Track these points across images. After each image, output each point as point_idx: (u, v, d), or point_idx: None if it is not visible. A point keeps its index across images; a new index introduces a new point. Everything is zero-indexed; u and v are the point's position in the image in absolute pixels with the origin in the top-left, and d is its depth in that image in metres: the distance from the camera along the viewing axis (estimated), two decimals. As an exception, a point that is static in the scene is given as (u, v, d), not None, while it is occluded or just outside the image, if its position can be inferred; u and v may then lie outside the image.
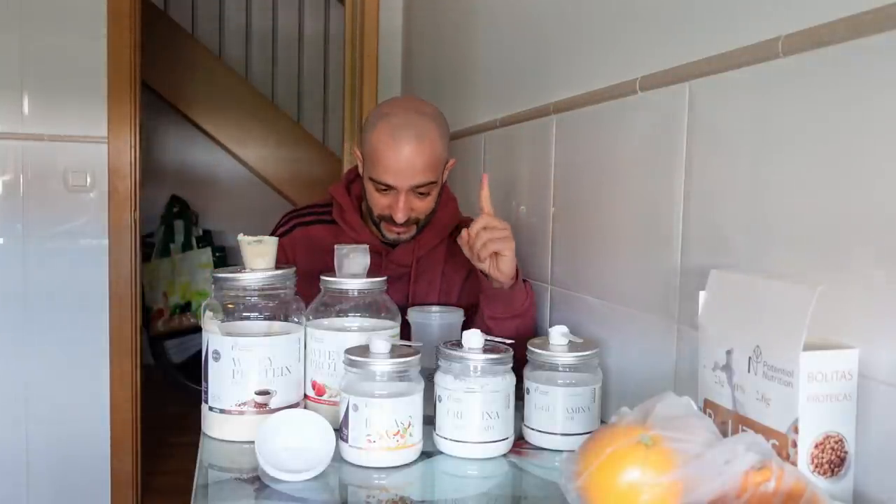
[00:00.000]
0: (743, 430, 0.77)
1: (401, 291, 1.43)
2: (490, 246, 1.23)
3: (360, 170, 1.45)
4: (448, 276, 1.47)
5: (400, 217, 1.36)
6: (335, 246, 1.16)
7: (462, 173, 1.90)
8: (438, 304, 1.44)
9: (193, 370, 3.67)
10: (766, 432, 0.73)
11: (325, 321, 1.12)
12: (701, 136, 0.98)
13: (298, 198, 4.20)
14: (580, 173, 1.31)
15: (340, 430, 0.98)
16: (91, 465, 2.54)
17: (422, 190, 1.36)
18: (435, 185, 1.38)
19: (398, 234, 1.40)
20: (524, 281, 1.34)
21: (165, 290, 4.14)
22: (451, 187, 1.59)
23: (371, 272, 1.17)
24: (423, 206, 1.39)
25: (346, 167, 2.78)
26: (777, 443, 0.72)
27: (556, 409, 1.04)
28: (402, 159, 1.31)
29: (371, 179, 1.36)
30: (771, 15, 0.85)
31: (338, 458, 0.96)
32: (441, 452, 1.02)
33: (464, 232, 1.26)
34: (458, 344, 1.02)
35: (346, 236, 1.45)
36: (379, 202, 1.38)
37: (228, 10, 4.61)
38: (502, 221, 1.26)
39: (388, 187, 1.35)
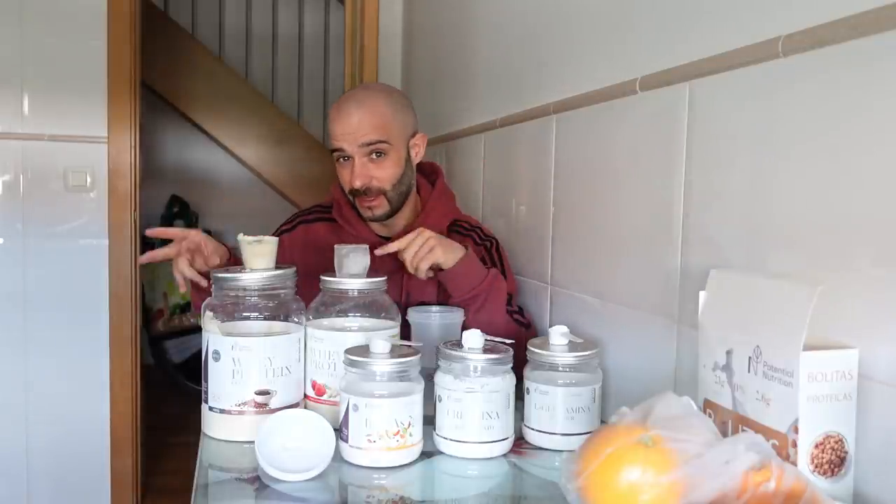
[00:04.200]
0: (743, 430, 0.77)
1: (396, 286, 1.43)
2: (426, 261, 1.28)
3: None
4: (443, 273, 1.47)
5: (357, 183, 1.40)
6: (335, 246, 1.16)
7: (462, 173, 1.90)
8: (436, 301, 1.44)
9: (193, 370, 3.67)
10: (766, 432, 0.73)
11: (325, 321, 1.12)
12: (701, 136, 0.98)
13: (298, 198, 4.20)
14: (580, 173, 1.31)
15: (340, 430, 0.98)
16: (91, 464, 2.54)
17: (374, 148, 1.39)
18: (388, 146, 1.41)
19: (369, 208, 1.43)
20: (489, 268, 1.36)
21: (165, 290, 4.14)
22: (450, 186, 1.59)
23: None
24: (383, 173, 1.41)
25: (346, 167, 2.77)
26: (777, 443, 0.72)
27: (556, 409, 1.04)
28: (347, 122, 1.40)
29: (332, 154, 1.44)
30: (771, 15, 0.85)
31: (338, 458, 0.96)
32: (441, 452, 1.02)
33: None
34: (458, 344, 1.02)
35: (345, 233, 1.46)
36: (343, 178, 1.44)
37: (228, 11, 4.61)
38: (412, 235, 1.29)
39: (343, 155, 1.41)
